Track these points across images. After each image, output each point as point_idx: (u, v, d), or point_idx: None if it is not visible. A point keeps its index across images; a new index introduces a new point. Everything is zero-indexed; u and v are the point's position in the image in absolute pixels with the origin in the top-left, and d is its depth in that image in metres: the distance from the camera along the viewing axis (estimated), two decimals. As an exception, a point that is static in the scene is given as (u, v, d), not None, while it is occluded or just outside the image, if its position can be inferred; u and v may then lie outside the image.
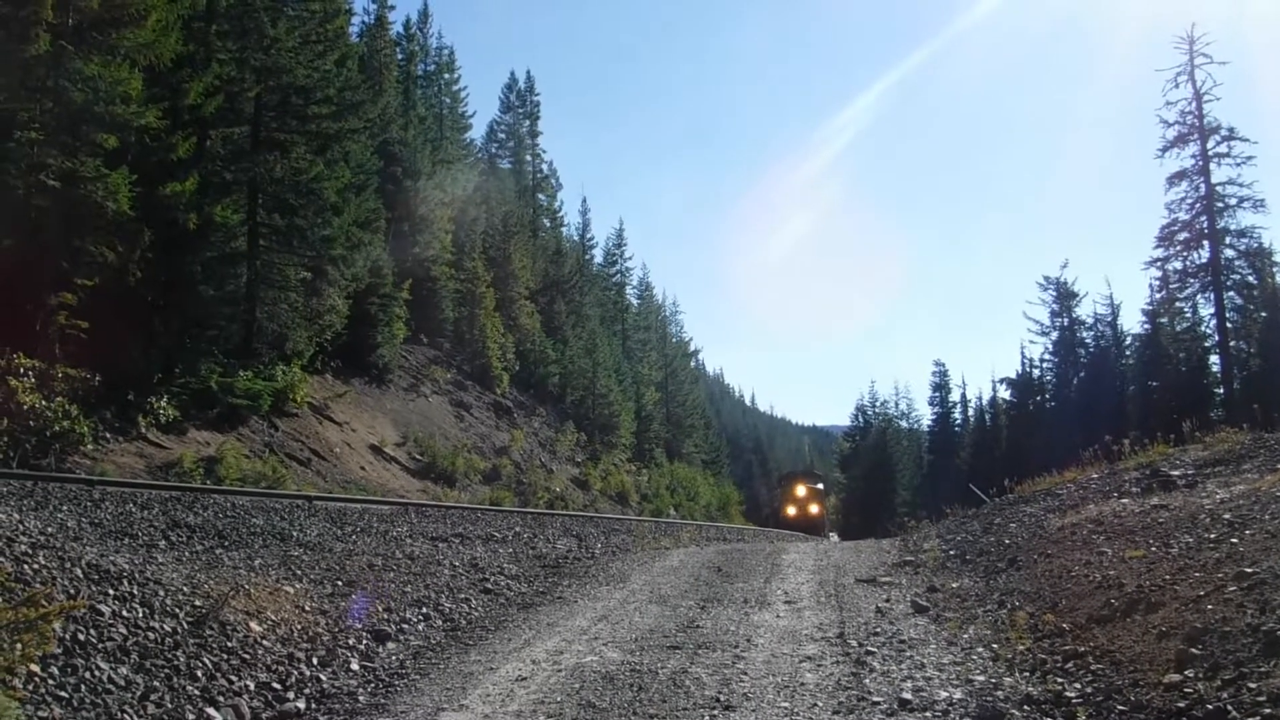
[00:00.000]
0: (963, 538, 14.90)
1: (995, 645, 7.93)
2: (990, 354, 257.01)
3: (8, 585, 6.37)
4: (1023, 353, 65.15)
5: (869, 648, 8.09)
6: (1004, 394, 65.10)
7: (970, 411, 75.54)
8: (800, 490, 59.50)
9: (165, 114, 19.60)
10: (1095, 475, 16.67)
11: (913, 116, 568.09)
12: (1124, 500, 12.60)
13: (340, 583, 10.29)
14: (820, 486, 62.23)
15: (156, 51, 18.72)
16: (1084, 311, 57.26)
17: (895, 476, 73.22)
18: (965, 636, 8.43)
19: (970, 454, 64.78)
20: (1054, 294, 56.51)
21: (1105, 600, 8.01)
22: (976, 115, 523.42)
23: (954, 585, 11.20)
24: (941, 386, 72.93)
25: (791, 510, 58.63)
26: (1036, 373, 60.18)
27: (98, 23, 17.80)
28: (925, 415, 79.89)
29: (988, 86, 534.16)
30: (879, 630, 8.88)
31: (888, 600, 10.62)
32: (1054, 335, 56.95)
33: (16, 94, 16.70)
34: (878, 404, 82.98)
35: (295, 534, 12.72)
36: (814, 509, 58.28)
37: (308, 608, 8.92)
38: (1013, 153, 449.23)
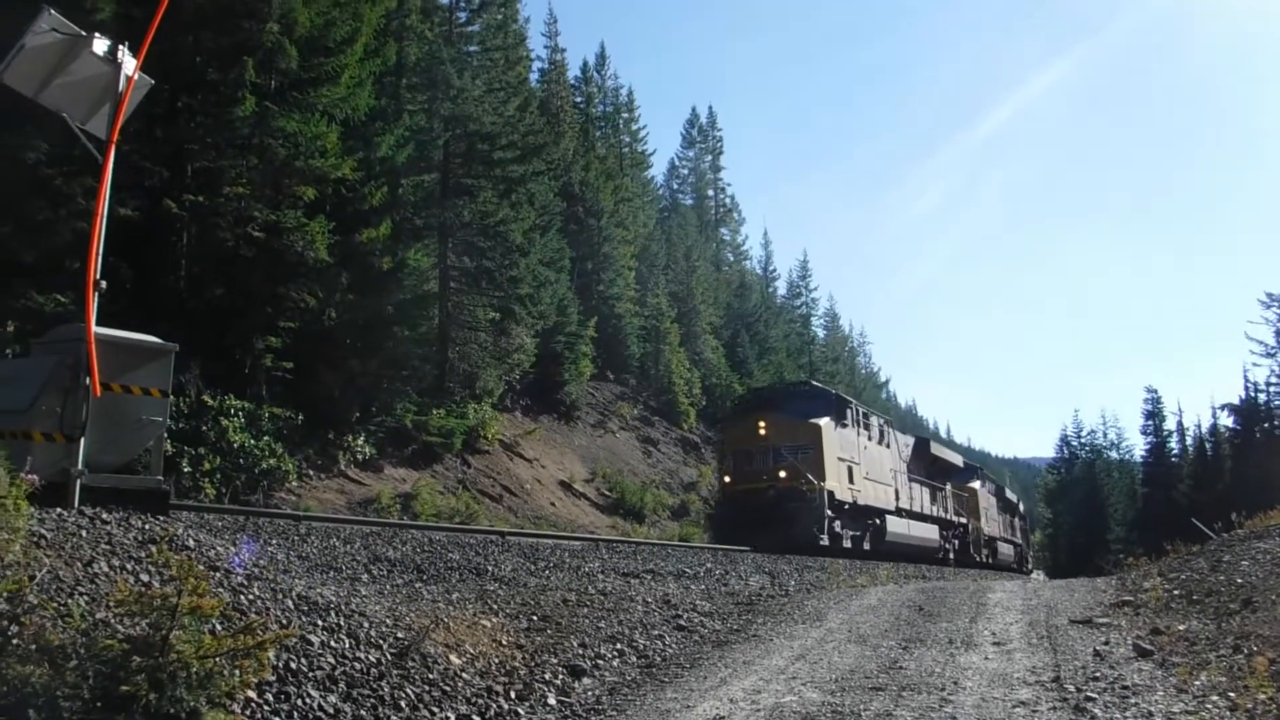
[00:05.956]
0: (1187, 576, 13.57)
1: (1232, 694, 7.02)
2: (1207, 378, 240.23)
3: (226, 614, 6.49)
4: (1245, 376, 60.03)
5: (1088, 693, 7.31)
6: (1225, 421, 60.41)
7: (1188, 440, 70.32)
8: (759, 427, 23.16)
9: (359, 165, 20.57)
10: (1343, 507, 14.94)
11: (1104, 121, 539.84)
12: (1384, 533, 11.15)
13: (535, 617, 10.19)
14: (824, 422, 23.03)
15: (352, 105, 19.71)
16: (1315, 328, 52.53)
17: (1107, 511, 68.72)
18: (1197, 684, 7.51)
19: (1190, 486, 60.25)
20: (1278, 312, 52.15)
21: (1364, 647, 6.97)
22: (1178, 117, 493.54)
23: (1180, 628, 10.11)
24: (1154, 414, 68.10)
25: (728, 477, 23.80)
26: (1263, 397, 55.53)
27: (297, 82, 18.92)
28: (1137, 445, 74.62)
29: (1189, 82, 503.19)
30: (1098, 675, 8.04)
31: (1106, 643, 9.67)
32: (1280, 356, 52.52)
33: (225, 152, 17.84)
34: (1083, 434, 78.31)
35: (490, 569, 12.78)
36: (782, 474, 22.15)
37: (504, 641, 8.82)
38: (1216, 160, 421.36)
